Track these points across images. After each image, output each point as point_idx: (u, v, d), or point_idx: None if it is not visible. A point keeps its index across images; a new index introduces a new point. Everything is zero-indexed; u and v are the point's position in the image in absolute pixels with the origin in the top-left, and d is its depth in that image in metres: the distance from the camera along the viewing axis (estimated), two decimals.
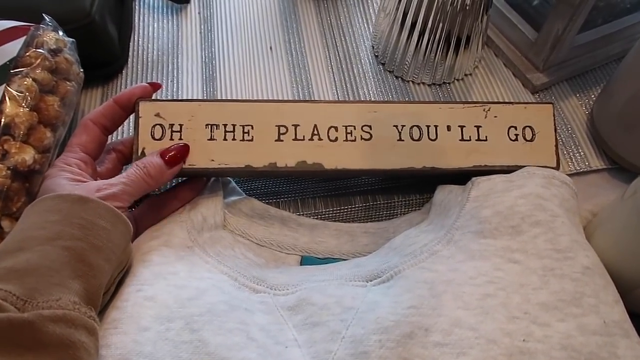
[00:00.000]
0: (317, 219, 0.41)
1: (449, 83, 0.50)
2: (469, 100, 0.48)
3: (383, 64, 0.51)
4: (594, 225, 0.39)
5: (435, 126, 0.39)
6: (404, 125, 0.38)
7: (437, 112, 0.39)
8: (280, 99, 0.48)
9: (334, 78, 0.50)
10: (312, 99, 0.48)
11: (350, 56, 0.51)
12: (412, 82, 0.50)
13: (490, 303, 0.31)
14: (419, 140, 0.38)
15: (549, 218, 0.35)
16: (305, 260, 0.38)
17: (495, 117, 0.39)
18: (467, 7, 0.44)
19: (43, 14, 0.40)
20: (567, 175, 0.44)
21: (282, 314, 0.33)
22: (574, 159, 0.46)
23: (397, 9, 0.47)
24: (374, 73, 0.50)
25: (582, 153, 0.46)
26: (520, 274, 0.33)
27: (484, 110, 0.39)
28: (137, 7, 0.54)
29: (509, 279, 0.33)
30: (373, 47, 0.52)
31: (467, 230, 0.35)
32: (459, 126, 0.39)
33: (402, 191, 0.43)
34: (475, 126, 0.39)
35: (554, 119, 0.40)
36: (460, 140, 0.39)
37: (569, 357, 0.30)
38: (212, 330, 0.30)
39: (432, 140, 0.38)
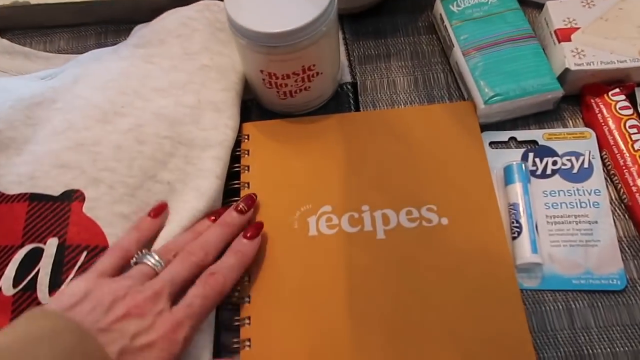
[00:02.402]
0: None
1: None
2: None
3: None
4: None
5: None
6: None
7: None
8: None
9: None
10: None
11: None
12: None
13: (110, 84, 0.43)
14: None
15: (189, 32, 0.45)
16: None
17: None
18: None
19: None
20: None
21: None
22: None
23: None
24: None
25: None
26: (149, 70, 0.44)
27: None
28: None
29: (137, 72, 0.44)
30: None
31: (129, 43, 0.46)
32: None
33: None
34: None
35: None
36: None
37: (156, 119, 0.41)
38: None
39: None
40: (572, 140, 0.43)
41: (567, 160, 0.42)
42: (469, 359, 0.35)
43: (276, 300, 0.38)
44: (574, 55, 0.43)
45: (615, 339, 0.36)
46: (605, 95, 0.43)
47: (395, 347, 0.36)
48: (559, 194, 0.41)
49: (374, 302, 0.37)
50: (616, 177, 0.41)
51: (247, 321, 0.37)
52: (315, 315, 0.37)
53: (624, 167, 0.41)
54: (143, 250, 0.37)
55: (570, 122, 0.45)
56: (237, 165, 0.43)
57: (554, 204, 0.41)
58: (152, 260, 0.35)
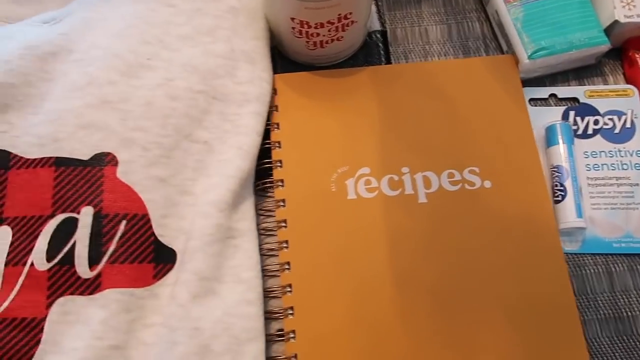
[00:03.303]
0: None
1: None
2: None
3: None
4: None
5: None
6: None
7: None
8: None
9: None
10: None
11: None
12: None
13: (129, 32, 0.38)
14: None
15: None
16: None
17: None
18: None
19: None
20: None
21: None
22: None
23: None
24: None
25: None
26: (171, 14, 0.39)
27: None
28: None
29: (158, 18, 0.39)
30: None
31: None
32: None
33: None
34: None
35: None
36: None
37: (185, 71, 0.37)
38: None
39: None
40: (614, 98, 0.41)
41: (609, 119, 0.41)
42: (514, 323, 0.35)
43: (317, 267, 0.36)
44: (623, 6, 0.41)
45: None
46: None
47: (439, 312, 0.35)
48: (600, 155, 0.40)
49: (417, 267, 0.36)
50: None
51: (288, 289, 0.36)
52: (358, 281, 0.36)
53: None
54: None
55: (611, 77, 0.43)
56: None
57: (595, 166, 0.40)
58: None
